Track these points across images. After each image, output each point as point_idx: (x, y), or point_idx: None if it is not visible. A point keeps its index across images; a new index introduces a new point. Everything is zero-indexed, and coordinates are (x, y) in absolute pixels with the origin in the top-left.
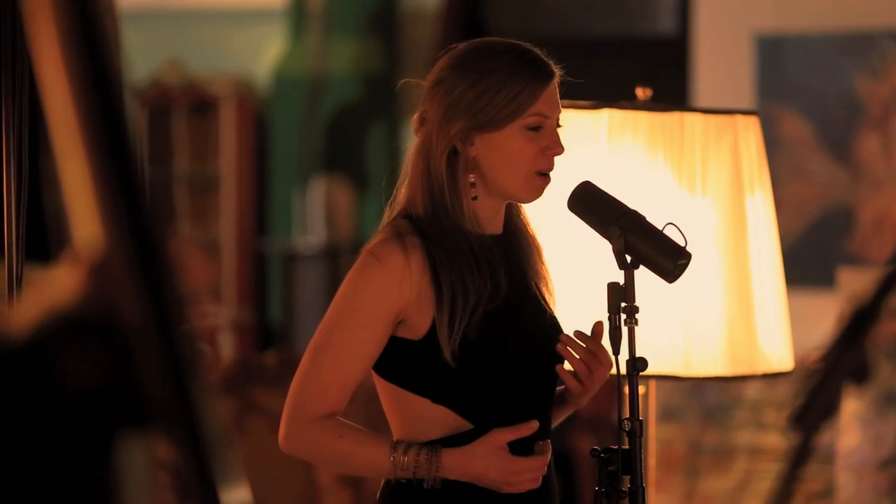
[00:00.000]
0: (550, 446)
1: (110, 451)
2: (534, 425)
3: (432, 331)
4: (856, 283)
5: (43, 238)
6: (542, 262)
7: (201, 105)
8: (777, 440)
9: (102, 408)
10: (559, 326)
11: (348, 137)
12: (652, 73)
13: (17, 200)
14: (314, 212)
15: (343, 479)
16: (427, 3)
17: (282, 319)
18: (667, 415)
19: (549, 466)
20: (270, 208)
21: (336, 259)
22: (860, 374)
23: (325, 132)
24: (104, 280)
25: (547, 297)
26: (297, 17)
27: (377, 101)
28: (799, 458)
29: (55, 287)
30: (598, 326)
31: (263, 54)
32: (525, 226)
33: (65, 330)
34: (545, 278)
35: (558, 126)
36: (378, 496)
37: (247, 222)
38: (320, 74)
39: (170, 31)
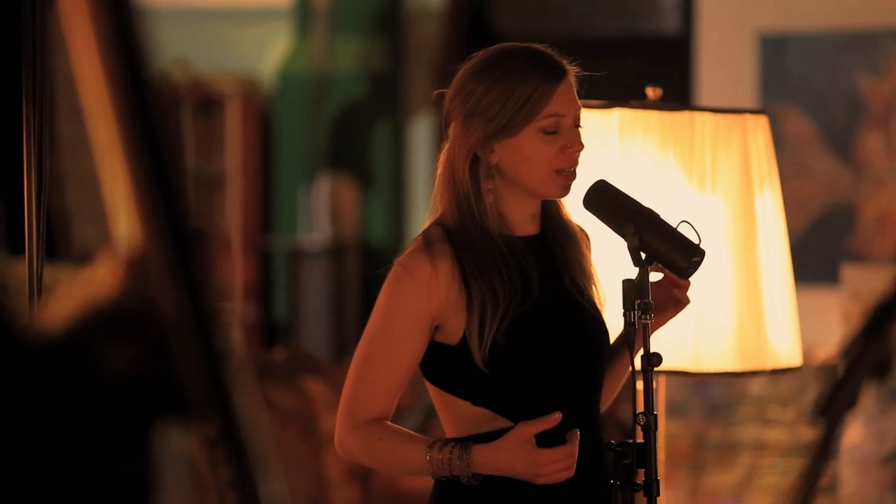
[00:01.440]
0: (578, 435)
1: (148, 441)
2: (557, 417)
3: (466, 336)
4: (860, 279)
5: (48, 236)
6: (587, 258)
7: (207, 103)
8: (781, 435)
9: (140, 399)
10: (601, 322)
11: (353, 135)
12: (656, 72)
13: (37, 199)
14: (319, 209)
15: (351, 474)
16: (431, 3)
17: (287, 316)
18: (672, 410)
19: (598, 457)
20: (275, 206)
21: (341, 256)
22: (882, 369)
23: (329, 130)
24: (142, 274)
25: (592, 291)
26: (303, 16)
27: (382, 99)
28: (823, 449)
29: (94, 282)
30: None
31: (269, 53)
32: (567, 221)
33: (103, 323)
34: (589, 273)
35: (578, 125)
36: (430, 495)
37: (252, 220)
38: (325, 73)
39: (176, 29)
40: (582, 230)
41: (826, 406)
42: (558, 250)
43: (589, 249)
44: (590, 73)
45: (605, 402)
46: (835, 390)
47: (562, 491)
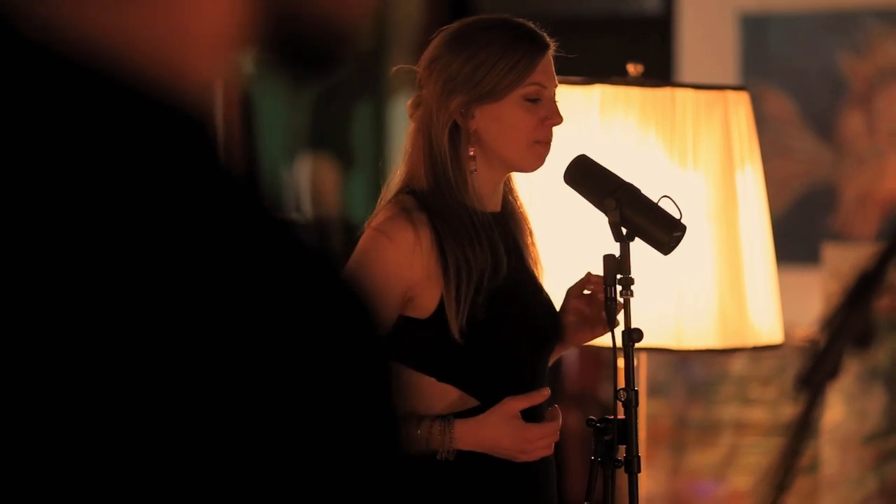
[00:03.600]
0: (560, 413)
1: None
2: (546, 392)
3: (440, 309)
4: (841, 259)
5: None
6: (533, 243)
7: None
8: (762, 415)
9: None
10: (553, 305)
11: (334, 115)
12: (637, 52)
13: None
14: (300, 189)
15: None
16: None
17: None
18: (653, 390)
19: None
20: None
21: (322, 236)
22: (864, 338)
23: (310, 110)
24: None
25: (537, 273)
26: None
27: (363, 79)
28: (804, 420)
29: None
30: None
31: None
32: (518, 205)
33: None
34: (535, 259)
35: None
36: None
37: None
38: None
39: None
40: (527, 217)
41: (808, 376)
42: (516, 230)
43: (533, 233)
44: (571, 52)
45: None
46: (817, 360)
47: (525, 469)
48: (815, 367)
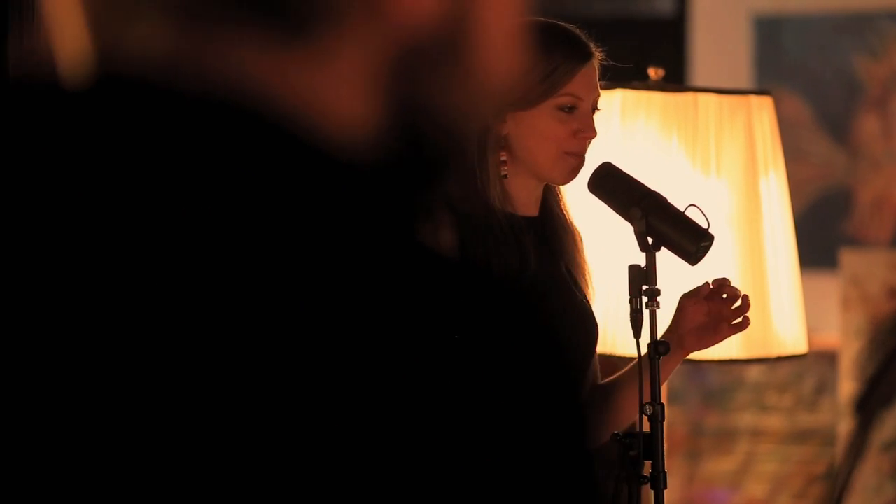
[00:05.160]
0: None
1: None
2: None
3: None
4: (858, 264)
5: None
6: (580, 251)
7: None
8: (779, 422)
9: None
10: (591, 314)
11: None
12: (650, 54)
13: None
14: None
15: None
16: None
17: None
18: (669, 397)
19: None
20: None
21: None
22: None
23: None
24: None
25: (583, 286)
26: None
27: None
28: (857, 445)
29: None
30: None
31: None
32: (564, 212)
33: None
34: (582, 268)
35: (596, 109)
36: None
37: None
38: None
39: None
40: (574, 226)
41: (863, 402)
42: (555, 237)
43: (582, 244)
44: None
45: (602, 436)
46: (871, 386)
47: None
48: (869, 392)
